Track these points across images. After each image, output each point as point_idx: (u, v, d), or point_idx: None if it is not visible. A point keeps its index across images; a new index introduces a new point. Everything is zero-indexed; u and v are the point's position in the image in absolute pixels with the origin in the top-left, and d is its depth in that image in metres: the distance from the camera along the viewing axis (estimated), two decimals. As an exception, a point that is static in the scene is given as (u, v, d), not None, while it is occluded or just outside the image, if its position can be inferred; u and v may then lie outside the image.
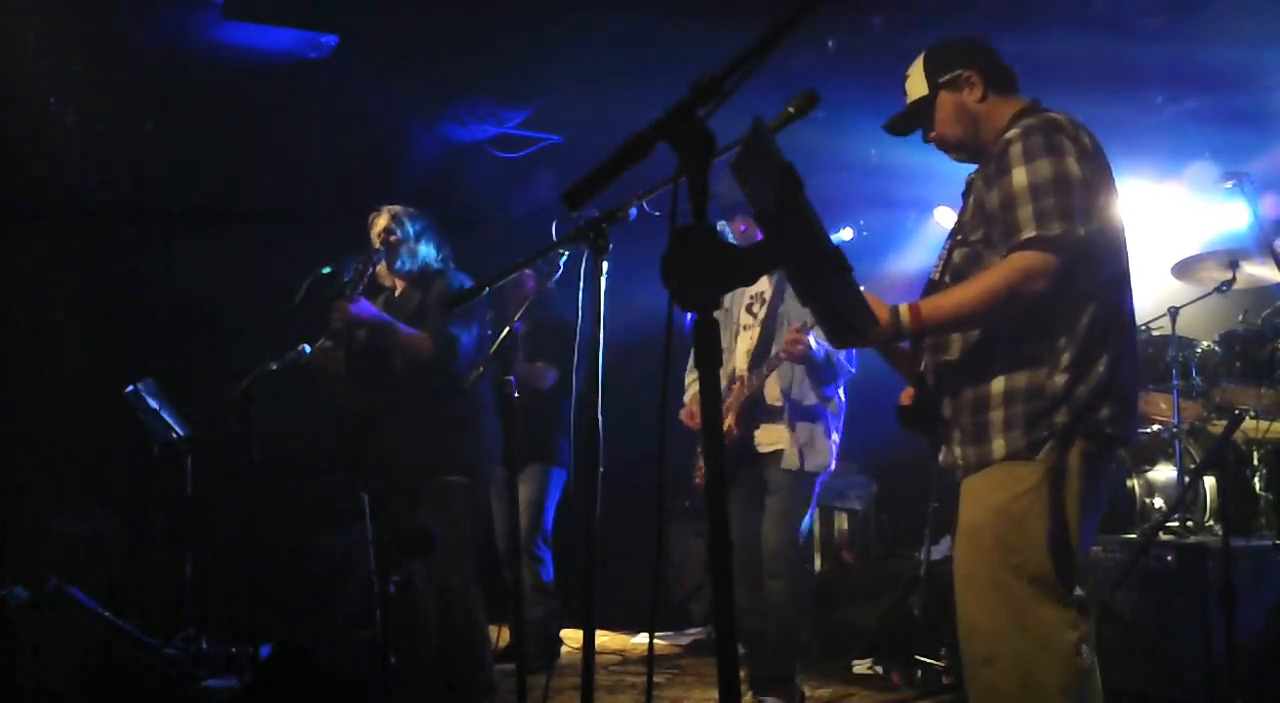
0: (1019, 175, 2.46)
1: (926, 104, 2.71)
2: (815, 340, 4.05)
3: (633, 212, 2.53)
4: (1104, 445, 2.52)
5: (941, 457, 2.64)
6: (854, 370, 4.27)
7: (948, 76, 2.69)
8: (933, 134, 2.75)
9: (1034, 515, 2.44)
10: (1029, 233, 2.42)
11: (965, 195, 2.74)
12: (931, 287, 2.65)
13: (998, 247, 2.50)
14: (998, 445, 2.48)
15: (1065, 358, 2.46)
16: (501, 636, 4.57)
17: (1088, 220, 2.45)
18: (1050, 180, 2.44)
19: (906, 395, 2.72)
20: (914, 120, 2.77)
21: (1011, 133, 2.54)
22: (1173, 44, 5.37)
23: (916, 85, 2.73)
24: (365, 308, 4.10)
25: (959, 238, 2.62)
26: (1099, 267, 2.52)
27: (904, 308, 2.44)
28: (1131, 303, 2.61)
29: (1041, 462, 2.44)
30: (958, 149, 2.75)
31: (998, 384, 2.49)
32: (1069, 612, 2.44)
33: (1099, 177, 2.51)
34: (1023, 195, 2.44)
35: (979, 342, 2.54)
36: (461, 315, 4.17)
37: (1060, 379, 2.45)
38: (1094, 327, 2.49)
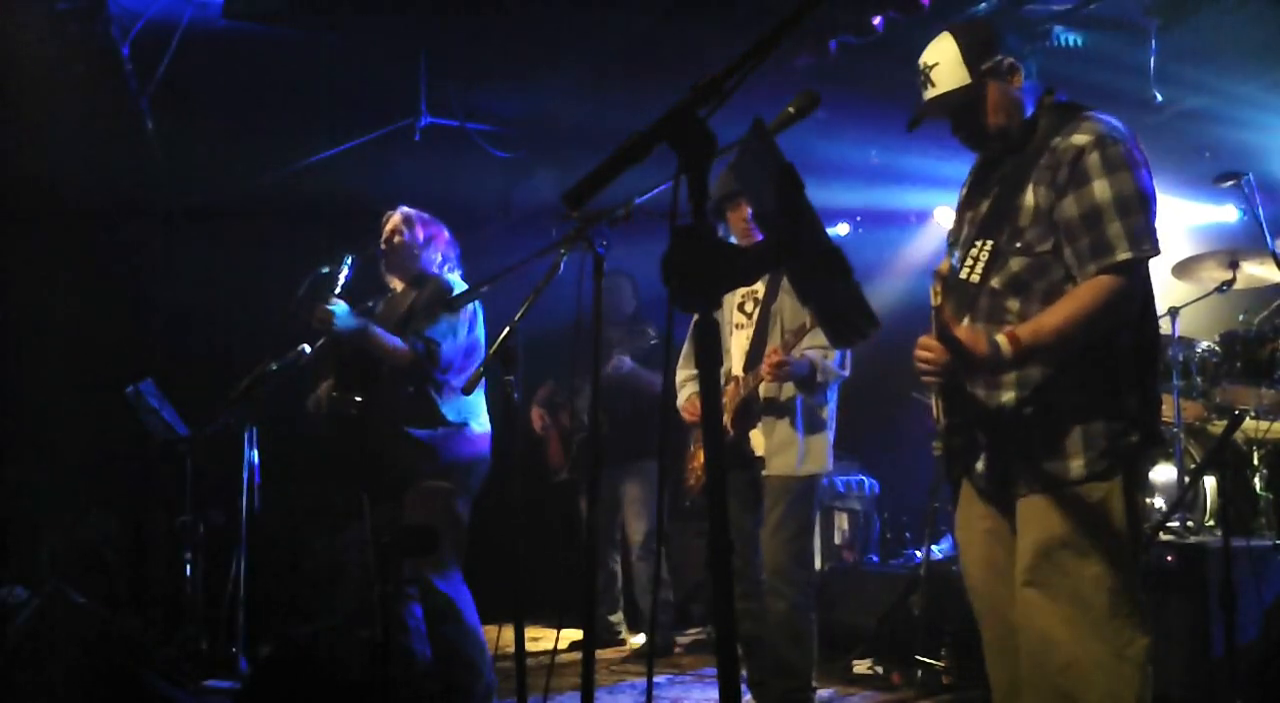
0: (1101, 187, 2.42)
1: (970, 94, 2.56)
2: (796, 354, 3.98)
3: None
4: (1160, 450, 2.58)
5: (993, 469, 2.57)
6: (846, 374, 4.20)
7: (990, 63, 2.56)
8: (979, 128, 2.60)
9: (1109, 527, 2.46)
10: (1123, 254, 2.39)
11: (990, 190, 2.62)
12: (966, 289, 2.55)
13: (1078, 262, 2.45)
14: (1076, 466, 2.46)
15: (1132, 374, 2.48)
16: (504, 636, 4.56)
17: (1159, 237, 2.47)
18: (1134, 195, 2.41)
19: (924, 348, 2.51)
20: (946, 112, 2.61)
21: (1081, 139, 2.46)
22: (1173, 43, 5.37)
23: (952, 74, 2.57)
24: (342, 312, 4.10)
25: (1017, 244, 2.51)
26: (1152, 281, 2.55)
27: (1002, 337, 2.39)
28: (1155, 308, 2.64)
29: (1114, 476, 2.46)
30: (1000, 140, 2.62)
31: (1070, 399, 2.47)
32: (1141, 617, 2.46)
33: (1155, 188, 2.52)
34: (1109, 210, 2.41)
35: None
36: (447, 320, 4.16)
37: (1133, 398, 2.47)
38: (1150, 341, 2.54)
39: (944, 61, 2.59)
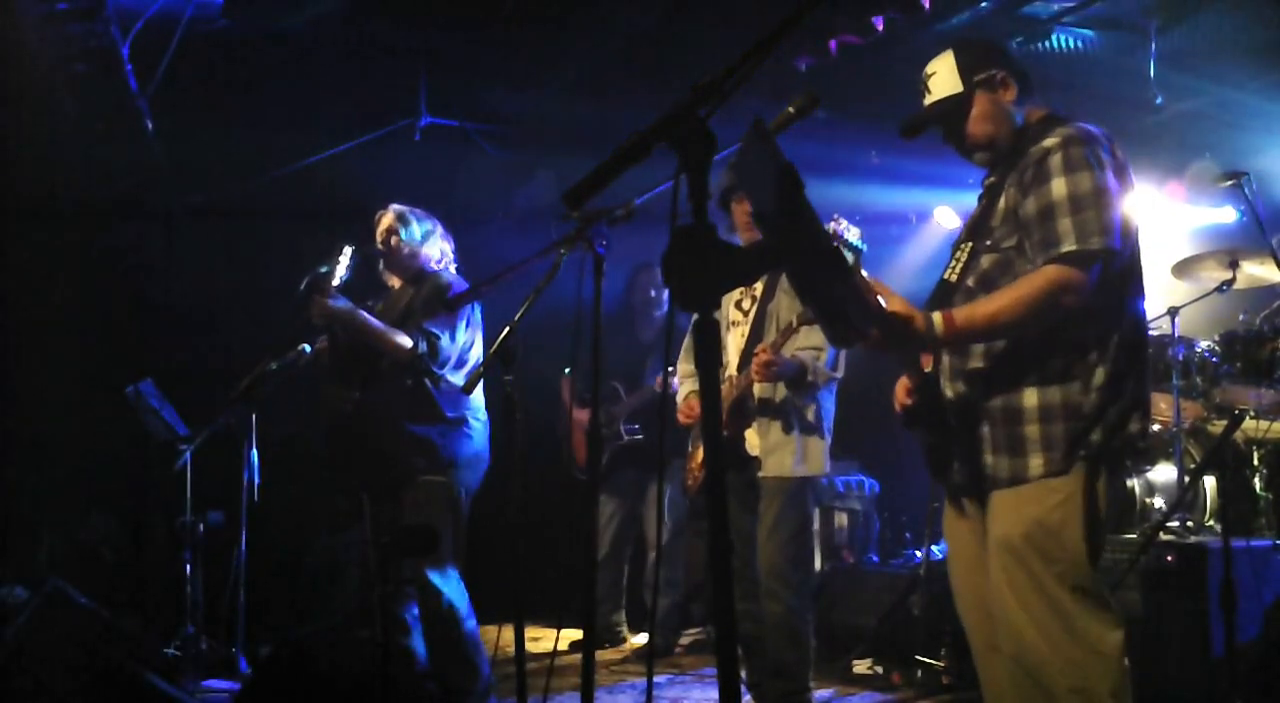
0: (1059, 185, 2.46)
1: (959, 102, 2.67)
2: (788, 355, 3.97)
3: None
4: (1132, 456, 2.60)
5: (961, 466, 2.61)
6: (838, 376, 4.17)
7: (983, 75, 2.66)
8: (964, 137, 2.69)
9: (1069, 525, 2.47)
10: (1068, 246, 2.42)
11: (982, 199, 2.73)
12: (946, 288, 2.62)
13: (1033, 255, 2.49)
14: (1035, 464, 2.48)
15: (1099, 374, 2.48)
16: (504, 636, 4.56)
17: (1124, 235, 2.48)
18: (1090, 193, 2.44)
19: (903, 389, 2.68)
20: (937, 119, 2.72)
21: (1050, 142, 2.53)
22: (1173, 44, 5.38)
23: (946, 83, 2.68)
24: (340, 305, 4.10)
25: (987, 243, 2.59)
26: (1128, 281, 2.55)
27: (937, 316, 2.42)
28: (1145, 309, 2.64)
29: (1076, 473, 2.47)
30: (985, 149, 2.70)
31: (1030, 397, 2.49)
32: (1112, 614, 2.49)
33: (1129, 190, 2.54)
34: (1063, 206, 2.45)
35: (1006, 351, 2.54)
36: (446, 316, 4.17)
37: (1094, 397, 2.47)
38: (1124, 342, 2.52)
39: (941, 71, 2.70)
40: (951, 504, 2.74)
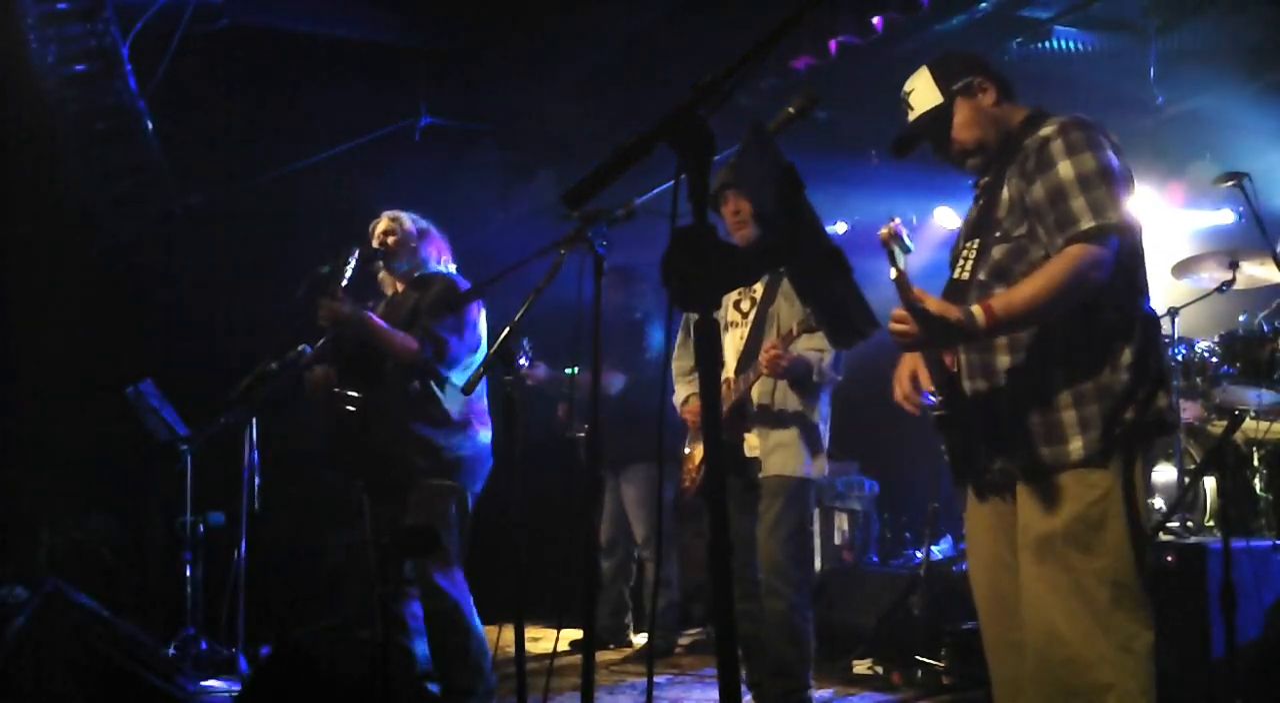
0: (1065, 168, 2.50)
1: (942, 112, 2.72)
2: (797, 351, 3.97)
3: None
4: (1162, 434, 2.61)
5: (992, 462, 2.62)
6: (840, 378, 4.18)
7: (960, 83, 2.71)
8: (951, 145, 2.74)
9: (1111, 519, 2.48)
10: (1086, 223, 2.45)
11: (978, 199, 2.76)
12: (957, 286, 2.64)
13: (1049, 238, 2.52)
14: (1075, 448, 2.50)
15: (1126, 354, 2.51)
16: (504, 636, 4.56)
17: (1131, 213, 2.52)
18: (1096, 172, 2.49)
19: (905, 376, 2.67)
20: (925, 132, 2.77)
21: (1047, 130, 2.58)
22: (1173, 44, 5.38)
23: (926, 97, 2.73)
24: (348, 308, 4.10)
25: (996, 235, 2.62)
26: (1139, 262, 2.59)
27: (976, 308, 2.44)
28: (1151, 307, 2.67)
29: (1114, 466, 2.49)
30: (975, 154, 2.74)
31: (1062, 385, 2.51)
32: (1145, 613, 2.49)
33: (1128, 175, 2.58)
34: (1072, 187, 2.49)
35: (1031, 342, 2.56)
36: (454, 318, 4.16)
37: (1124, 376, 2.50)
38: (1144, 322, 2.56)
39: (919, 87, 2.76)
40: (974, 503, 2.74)
